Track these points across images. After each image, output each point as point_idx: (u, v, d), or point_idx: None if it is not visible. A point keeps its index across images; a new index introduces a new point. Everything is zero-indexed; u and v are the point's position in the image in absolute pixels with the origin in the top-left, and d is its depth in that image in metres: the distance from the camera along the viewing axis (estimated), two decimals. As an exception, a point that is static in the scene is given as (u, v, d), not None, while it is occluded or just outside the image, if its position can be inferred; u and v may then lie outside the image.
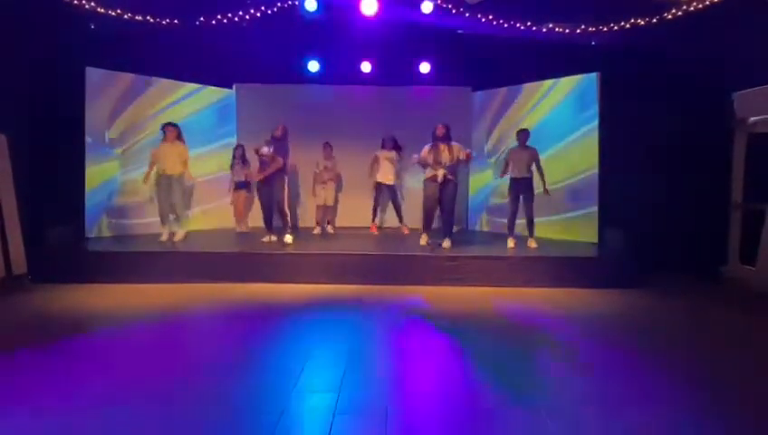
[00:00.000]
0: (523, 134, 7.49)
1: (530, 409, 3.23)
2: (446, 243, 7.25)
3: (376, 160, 8.84)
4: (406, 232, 8.79)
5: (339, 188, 9.32)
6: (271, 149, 7.35)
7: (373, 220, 9.04)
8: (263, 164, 7.46)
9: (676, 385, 3.67)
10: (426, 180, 7.29)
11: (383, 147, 8.83)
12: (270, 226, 7.69)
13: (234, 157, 8.98)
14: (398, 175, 9.03)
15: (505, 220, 7.72)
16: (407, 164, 8.92)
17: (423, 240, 7.42)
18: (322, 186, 8.91)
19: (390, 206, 9.15)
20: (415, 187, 8.93)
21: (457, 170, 7.36)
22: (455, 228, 8.67)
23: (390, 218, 9.40)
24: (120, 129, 8.31)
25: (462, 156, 7.17)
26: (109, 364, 4.00)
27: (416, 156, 7.28)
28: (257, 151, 7.48)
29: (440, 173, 7.09)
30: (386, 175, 8.74)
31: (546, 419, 3.08)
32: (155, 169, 7.63)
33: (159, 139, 7.81)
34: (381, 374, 3.84)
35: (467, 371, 3.94)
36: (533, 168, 7.41)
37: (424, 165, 7.25)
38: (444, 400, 3.43)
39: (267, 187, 7.50)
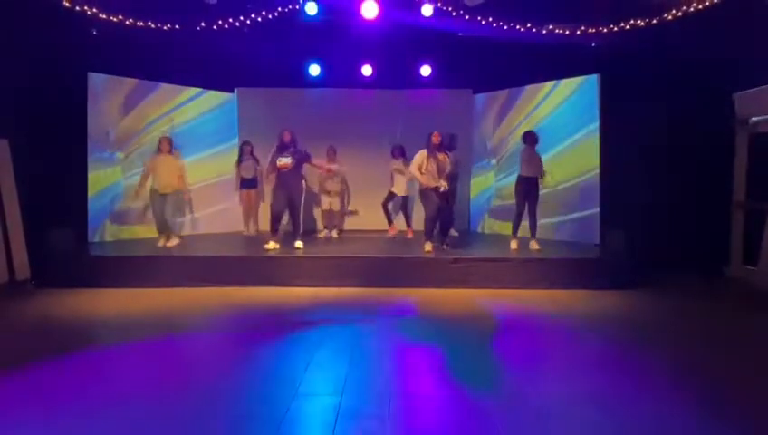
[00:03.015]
0: (533, 136, 7.51)
1: (531, 410, 3.23)
2: (445, 247, 7.31)
3: (391, 172, 8.91)
4: (410, 235, 8.84)
5: (345, 194, 9.29)
6: (290, 159, 7.26)
7: (390, 223, 8.99)
8: (282, 176, 7.28)
9: (678, 385, 3.67)
10: (426, 190, 7.14)
11: (393, 156, 8.87)
12: (276, 231, 7.51)
13: (241, 153, 8.96)
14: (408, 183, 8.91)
15: (507, 222, 7.71)
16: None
17: (428, 247, 7.21)
18: (326, 190, 8.92)
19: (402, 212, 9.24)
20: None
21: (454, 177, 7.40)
22: (454, 233, 8.67)
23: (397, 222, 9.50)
24: (123, 134, 8.33)
25: (449, 167, 7.22)
26: (112, 369, 4.01)
27: (414, 171, 7.16)
28: (276, 165, 7.26)
29: (443, 184, 7.05)
30: (396, 186, 8.83)
31: (547, 419, 3.08)
32: (149, 183, 7.67)
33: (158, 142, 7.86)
34: (384, 377, 3.84)
35: (469, 372, 3.93)
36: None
37: (421, 173, 7.08)
38: (445, 402, 3.43)
39: (285, 190, 7.32)
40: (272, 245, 7.37)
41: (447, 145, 8.15)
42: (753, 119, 6.69)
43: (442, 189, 7.06)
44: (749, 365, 4.14)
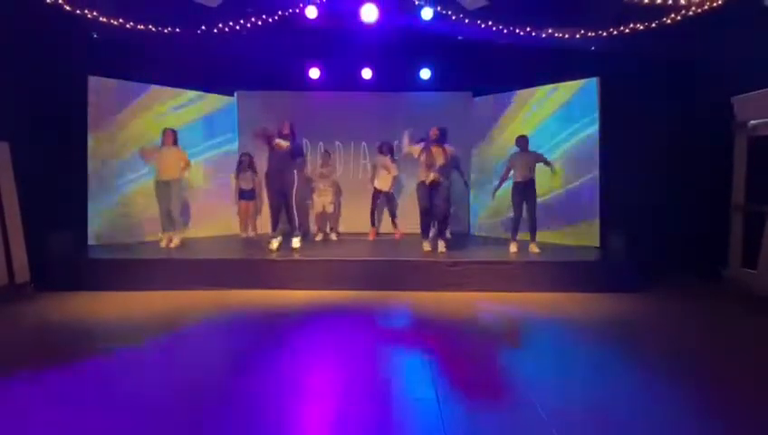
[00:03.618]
0: (524, 139, 7.52)
1: (532, 414, 3.23)
2: (441, 246, 7.29)
3: (374, 167, 8.94)
4: (397, 237, 8.87)
5: (337, 196, 9.30)
6: (287, 143, 7.33)
7: (372, 226, 9.08)
8: (275, 161, 7.34)
9: (677, 388, 3.67)
10: (417, 184, 7.32)
11: (380, 152, 8.88)
12: (276, 227, 7.54)
13: (240, 164, 9.02)
14: (394, 181, 8.97)
15: (507, 225, 7.73)
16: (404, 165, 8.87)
17: (426, 247, 7.39)
18: (319, 193, 8.94)
19: (387, 211, 9.25)
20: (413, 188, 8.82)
21: (450, 173, 7.43)
22: (448, 234, 8.72)
23: (386, 224, 9.48)
24: (122, 137, 8.33)
25: (451, 155, 7.31)
26: (111, 373, 4.01)
27: (405, 142, 7.34)
28: (272, 143, 7.30)
29: (431, 177, 7.11)
30: (381, 182, 8.83)
31: (548, 424, 3.08)
32: (154, 173, 7.77)
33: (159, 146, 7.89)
34: (384, 381, 3.84)
35: (468, 377, 3.94)
36: (537, 168, 7.44)
37: (408, 156, 7.36)
38: (444, 407, 3.43)
39: (278, 183, 7.36)
40: (274, 244, 7.43)
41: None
42: (752, 122, 6.70)
43: (429, 181, 7.12)
44: (750, 368, 4.15)
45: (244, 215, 9.12)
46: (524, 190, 7.39)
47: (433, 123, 7.71)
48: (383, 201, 9.06)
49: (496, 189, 7.58)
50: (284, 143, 7.32)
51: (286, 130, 7.46)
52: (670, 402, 3.43)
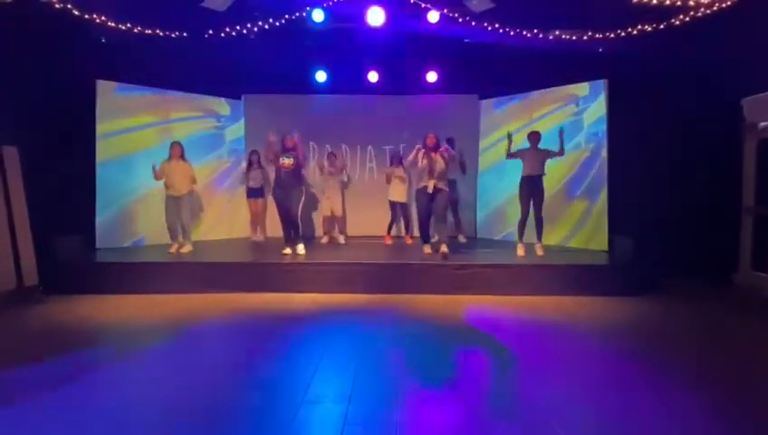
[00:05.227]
0: (536, 135, 7.45)
1: (539, 419, 3.21)
2: (444, 248, 7.19)
3: (388, 179, 8.90)
4: (408, 241, 8.87)
5: (344, 196, 9.25)
6: (293, 160, 7.35)
7: (388, 232, 9.02)
8: (282, 173, 7.36)
9: (687, 392, 3.63)
10: (417, 191, 7.31)
11: (391, 164, 8.87)
12: (289, 237, 7.59)
13: (249, 162, 9.03)
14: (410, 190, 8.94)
15: (513, 229, 7.68)
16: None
17: (426, 250, 7.42)
18: (327, 195, 8.94)
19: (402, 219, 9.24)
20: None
21: (448, 177, 7.43)
22: (462, 239, 8.76)
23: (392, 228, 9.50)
24: (130, 140, 8.38)
25: (447, 158, 7.20)
26: (120, 376, 4.02)
27: (410, 159, 7.32)
28: (280, 162, 7.35)
29: (431, 184, 7.11)
30: (397, 194, 8.80)
31: (554, 428, 3.05)
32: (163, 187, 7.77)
33: (166, 149, 7.90)
34: (391, 385, 3.82)
35: (475, 380, 3.91)
36: (546, 164, 7.37)
37: (412, 165, 7.28)
38: (451, 411, 3.41)
39: (284, 196, 7.41)
40: (288, 250, 7.46)
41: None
42: (762, 124, 6.65)
43: (430, 190, 7.11)
44: (759, 372, 4.10)
45: (254, 213, 9.11)
46: (532, 186, 7.34)
47: (439, 126, 7.73)
48: (399, 212, 9.04)
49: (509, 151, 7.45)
50: (288, 161, 7.34)
51: (290, 144, 7.43)
52: (680, 407, 3.40)
